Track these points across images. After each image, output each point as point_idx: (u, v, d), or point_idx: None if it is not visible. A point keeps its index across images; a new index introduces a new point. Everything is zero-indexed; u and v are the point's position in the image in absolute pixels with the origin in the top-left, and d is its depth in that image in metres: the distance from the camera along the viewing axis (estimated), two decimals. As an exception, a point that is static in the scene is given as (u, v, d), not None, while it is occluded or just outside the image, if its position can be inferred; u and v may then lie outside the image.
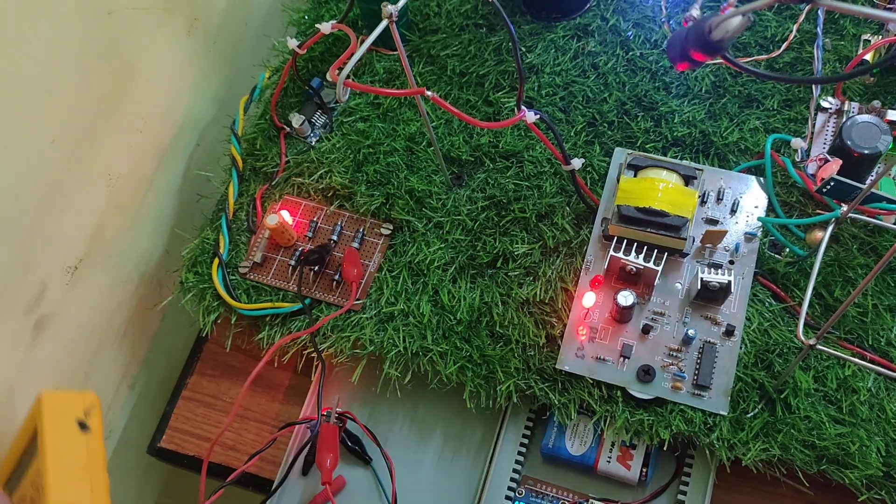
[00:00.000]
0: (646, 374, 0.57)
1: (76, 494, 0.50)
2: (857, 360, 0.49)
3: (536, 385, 0.58)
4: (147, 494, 0.78)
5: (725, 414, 0.56)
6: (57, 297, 0.60)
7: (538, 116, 0.53)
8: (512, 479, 0.60)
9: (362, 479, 0.62)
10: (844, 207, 0.53)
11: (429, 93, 0.49)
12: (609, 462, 0.58)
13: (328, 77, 0.49)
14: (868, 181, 0.59)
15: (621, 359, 0.58)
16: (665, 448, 0.57)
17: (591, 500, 0.58)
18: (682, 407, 0.56)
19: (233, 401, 0.68)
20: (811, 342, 0.48)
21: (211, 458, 0.65)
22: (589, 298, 0.58)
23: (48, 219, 0.58)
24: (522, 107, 0.52)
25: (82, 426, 0.51)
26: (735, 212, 0.61)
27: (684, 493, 0.57)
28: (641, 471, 0.58)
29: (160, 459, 0.67)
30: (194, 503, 0.59)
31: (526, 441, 0.61)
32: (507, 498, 0.59)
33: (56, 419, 0.51)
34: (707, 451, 0.56)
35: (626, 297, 0.57)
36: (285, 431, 0.62)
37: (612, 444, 0.58)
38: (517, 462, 0.60)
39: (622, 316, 0.58)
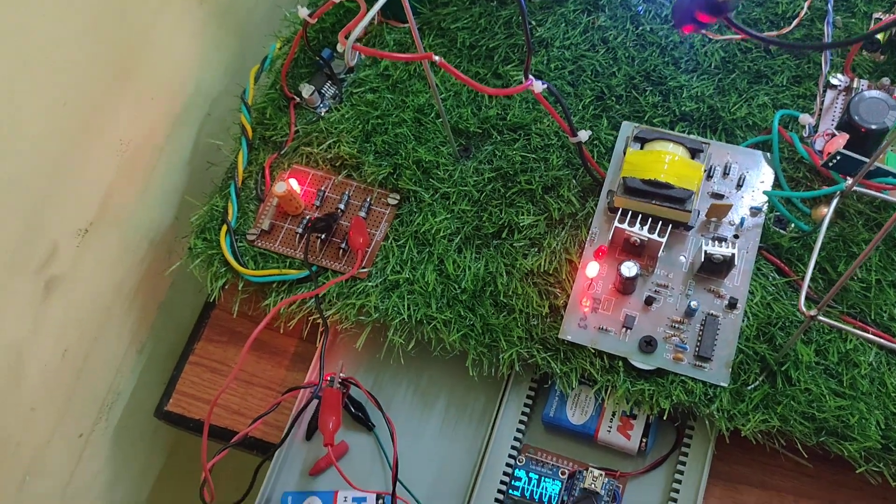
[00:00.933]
0: (648, 344, 0.57)
1: None
2: (857, 331, 0.49)
3: (539, 354, 0.59)
4: (155, 457, 0.80)
5: (726, 385, 0.56)
6: (67, 259, 0.61)
7: (545, 86, 0.53)
8: (513, 448, 0.60)
9: (365, 445, 0.63)
10: (850, 181, 0.53)
11: (436, 58, 0.49)
12: (609, 431, 0.59)
13: (338, 47, 0.50)
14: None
15: (624, 329, 0.58)
16: (665, 418, 0.57)
17: (590, 469, 0.58)
18: (683, 378, 0.57)
19: (240, 367, 0.69)
20: (812, 313, 0.48)
21: (217, 423, 0.67)
22: (592, 268, 0.59)
23: (59, 181, 0.58)
24: (530, 76, 0.53)
25: None
26: (741, 187, 0.61)
27: (683, 464, 0.58)
28: (641, 441, 0.58)
29: (167, 422, 0.68)
30: (201, 466, 0.60)
31: (527, 410, 0.61)
32: (508, 465, 0.60)
33: None
34: (707, 422, 0.57)
35: (629, 268, 0.57)
36: (289, 395, 0.63)
37: (613, 414, 0.59)
38: (518, 430, 0.61)
39: (625, 287, 0.58)
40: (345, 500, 0.59)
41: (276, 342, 0.69)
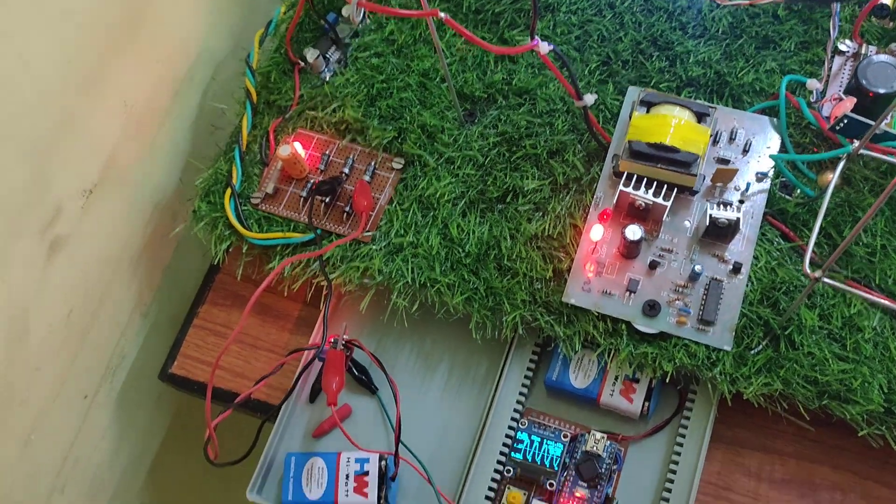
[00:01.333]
0: (651, 308, 0.57)
1: None
2: (861, 293, 0.49)
3: (542, 317, 0.59)
4: (160, 421, 0.80)
5: (729, 349, 0.56)
6: (72, 220, 0.61)
7: (552, 48, 0.53)
8: (515, 411, 0.60)
9: (368, 407, 0.63)
10: (857, 143, 0.53)
11: (442, 14, 0.49)
12: (612, 395, 0.59)
13: (343, 10, 0.49)
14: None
15: (627, 293, 0.58)
16: (668, 382, 0.57)
17: (592, 432, 0.58)
18: (686, 341, 0.57)
19: (244, 331, 0.69)
20: (817, 275, 0.48)
21: (222, 385, 0.67)
22: (597, 231, 0.59)
23: (63, 140, 0.58)
24: (536, 37, 0.52)
25: None
26: (747, 152, 0.61)
27: (685, 427, 0.58)
28: (644, 404, 0.58)
29: (171, 385, 0.69)
30: (205, 429, 0.60)
31: (530, 374, 0.61)
32: (510, 428, 0.60)
33: None
34: (709, 386, 0.57)
35: (634, 231, 0.57)
36: (293, 357, 0.63)
37: (616, 378, 0.59)
38: (521, 394, 0.61)
39: (630, 251, 0.58)
40: (348, 461, 0.59)
41: (279, 306, 0.69)
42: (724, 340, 0.56)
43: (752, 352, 0.56)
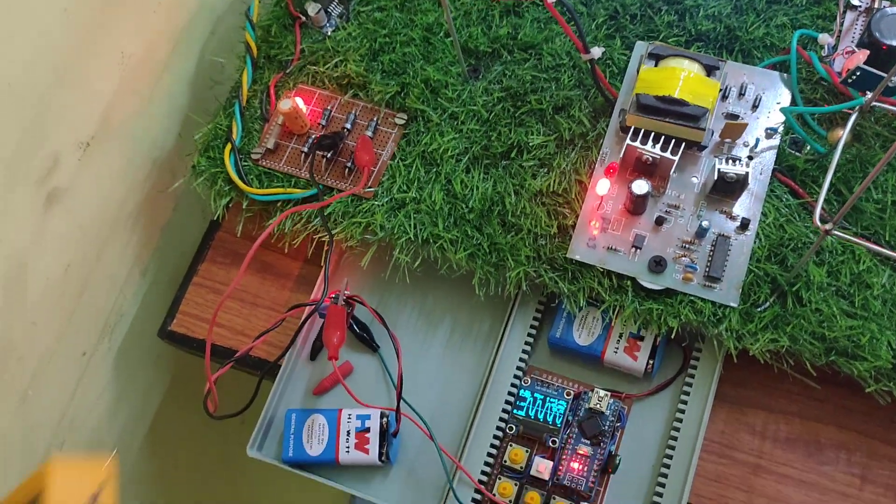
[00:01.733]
0: (657, 264, 0.57)
1: None
2: (871, 245, 0.48)
3: (546, 274, 0.58)
4: (158, 380, 0.80)
5: (735, 306, 0.55)
6: (69, 172, 0.60)
7: (559, -4, 0.51)
8: (518, 369, 0.60)
9: (370, 365, 0.63)
10: (869, 95, 0.51)
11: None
12: (616, 353, 0.58)
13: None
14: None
15: (633, 249, 0.57)
16: (672, 339, 0.57)
17: (596, 390, 0.58)
18: (692, 298, 0.56)
19: (243, 288, 0.68)
20: (827, 227, 0.47)
21: (222, 343, 0.66)
22: (603, 185, 0.58)
23: (60, 91, 0.57)
24: (543, -16, 0.51)
25: None
26: (756, 108, 0.60)
27: (689, 386, 0.57)
28: (648, 362, 0.58)
29: (171, 343, 0.68)
30: (204, 388, 0.59)
31: (533, 331, 0.61)
32: (513, 386, 0.59)
33: (61, 499, 0.41)
34: (715, 343, 0.56)
35: (640, 186, 0.56)
36: (293, 313, 0.62)
37: (620, 336, 0.58)
38: (524, 352, 0.60)
39: (636, 206, 0.58)
40: (349, 418, 0.59)
41: (280, 264, 0.69)
42: (730, 297, 0.55)
43: (759, 308, 0.55)
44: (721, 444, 0.58)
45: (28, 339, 0.60)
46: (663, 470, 0.56)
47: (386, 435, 0.58)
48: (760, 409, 0.58)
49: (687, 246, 0.57)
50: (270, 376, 0.63)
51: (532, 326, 0.61)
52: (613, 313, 0.57)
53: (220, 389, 0.60)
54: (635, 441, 0.58)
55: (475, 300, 0.61)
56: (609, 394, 0.57)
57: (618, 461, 0.56)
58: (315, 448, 0.59)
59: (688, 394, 0.57)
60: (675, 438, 0.56)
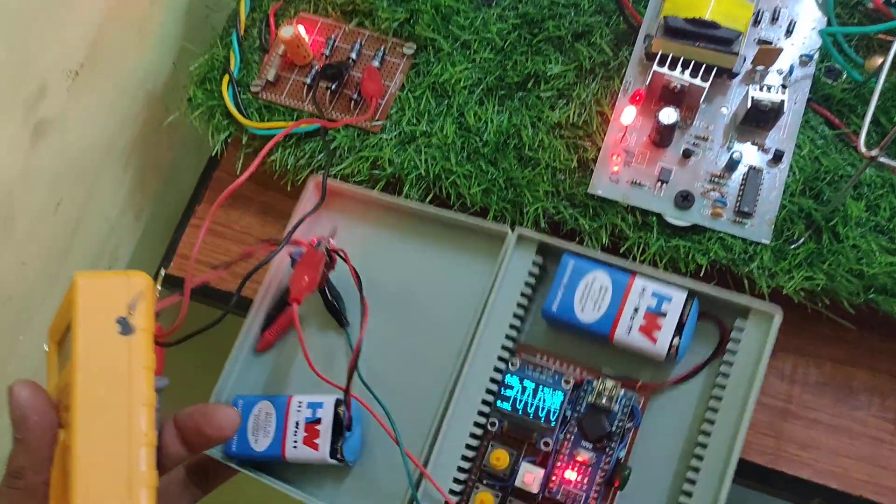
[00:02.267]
0: (684, 200, 0.53)
1: (107, 426, 0.38)
2: (922, 173, 0.45)
3: (566, 210, 0.55)
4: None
5: (768, 243, 0.52)
6: (57, 102, 0.56)
7: None
8: (504, 348, 0.50)
9: (337, 344, 0.55)
10: (919, 14, 0.48)
11: None
12: (630, 331, 0.47)
13: None
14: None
15: (659, 184, 0.54)
16: (703, 274, 0.53)
17: (602, 379, 0.48)
18: (722, 234, 0.53)
19: (242, 230, 0.65)
20: (873, 153, 0.44)
21: (223, 287, 0.63)
22: (629, 114, 0.54)
23: (46, 14, 0.53)
24: None
25: (124, 327, 0.39)
26: (790, 33, 0.56)
27: (726, 376, 0.46)
28: (672, 342, 0.47)
29: (166, 287, 0.64)
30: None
31: (525, 300, 0.52)
32: (497, 370, 0.50)
33: (90, 317, 0.39)
34: (745, 280, 0.53)
35: (668, 115, 0.52)
36: (264, 247, 0.53)
37: (635, 310, 0.48)
38: (512, 326, 0.51)
39: (662, 138, 0.54)
40: (299, 406, 0.50)
41: (281, 205, 0.65)
42: (762, 233, 0.52)
43: (793, 245, 0.52)
44: (748, 389, 0.55)
45: (17, 280, 0.57)
46: (687, 487, 0.45)
47: (342, 427, 0.49)
48: (790, 353, 0.56)
49: (716, 180, 0.54)
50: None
51: (523, 294, 0.51)
52: (637, 251, 0.54)
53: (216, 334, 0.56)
54: (652, 446, 0.47)
55: (466, 258, 0.55)
56: (619, 383, 0.48)
57: (627, 473, 0.45)
58: (261, 442, 0.50)
59: (723, 387, 0.46)
60: (704, 445, 0.45)
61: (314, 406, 0.50)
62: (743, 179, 0.53)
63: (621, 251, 0.55)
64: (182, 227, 0.66)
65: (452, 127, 0.58)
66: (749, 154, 0.54)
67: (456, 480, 0.49)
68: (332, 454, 0.49)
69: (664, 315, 0.47)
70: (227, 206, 0.66)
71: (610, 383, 0.47)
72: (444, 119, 0.58)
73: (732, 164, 0.53)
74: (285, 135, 0.58)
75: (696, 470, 0.46)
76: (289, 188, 0.61)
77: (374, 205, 0.58)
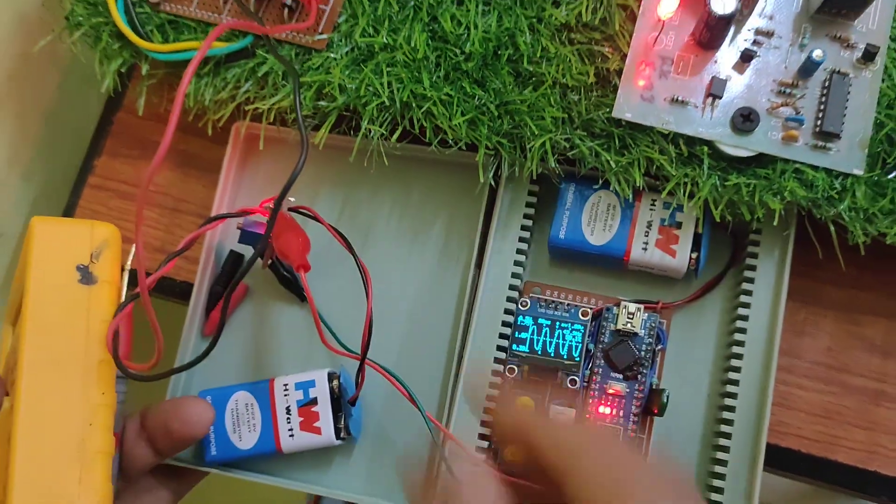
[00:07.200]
0: (745, 120, 0.39)
1: (58, 383, 0.34)
2: None
3: (584, 142, 0.40)
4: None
5: (861, 174, 0.38)
6: None
7: None
8: (511, 288, 0.43)
9: (295, 321, 0.46)
10: None
11: None
12: (645, 249, 0.42)
13: None
14: None
15: (709, 100, 0.40)
16: (776, 221, 0.40)
17: (623, 304, 0.42)
18: (798, 165, 0.39)
19: (158, 188, 0.50)
20: None
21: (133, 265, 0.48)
22: (667, 3, 0.39)
23: None
24: None
25: (84, 275, 0.36)
26: None
27: (751, 281, 0.41)
28: (691, 257, 0.42)
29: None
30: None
31: (527, 234, 0.44)
32: (508, 312, 0.43)
33: (46, 263, 0.36)
34: (831, 227, 0.39)
35: (724, 3, 0.38)
36: (212, 226, 0.43)
37: (649, 225, 0.42)
38: (517, 263, 0.44)
39: (713, 35, 0.39)
40: (286, 390, 0.43)
41: (208, 154, 0.50)
42: (853, 161, 0.38)
43: (893, 176, 0.38)
44: (828, 366, 0.43)
45: None
46: (728, 401, 0.40)
47: (341, 403, 0.42)
48: (881, 317, 0.43)
49: (787, 90, 0.39)
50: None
51: (524, 227, 0.44)
52: (684, 194, 0.40)
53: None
54: (683, 365, 0.43)
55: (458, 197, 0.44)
56: (641, 306, 0.42)
57: (665, 398, 0.40)
58: (246, 439, 0.43)
59: (749, 293, 0.41)
60: (739, 356, 0.41)
61: (304, 386, 0.43)
62: (824, 88, 0.39)
63: (662, 196, 0.41)
64: (79, 188, 0.51)
65: (422, 36, 0.42)
66: (831, 53, 0.39)
67: (481, 436, 0.42)
68: (337, 434, 0.42)
69: (679, 226, 0.42)
70: (135, 158, 0.51)
71: (632, 307, 0.42)
72: (410, 26, 0.43)
73: (809, 68, 0.39)
74: (202, 57, 0.43)
75: (735, 382, 0.41)
76: (209, 132, 0.46)
77: (329, 150, 0.44)
